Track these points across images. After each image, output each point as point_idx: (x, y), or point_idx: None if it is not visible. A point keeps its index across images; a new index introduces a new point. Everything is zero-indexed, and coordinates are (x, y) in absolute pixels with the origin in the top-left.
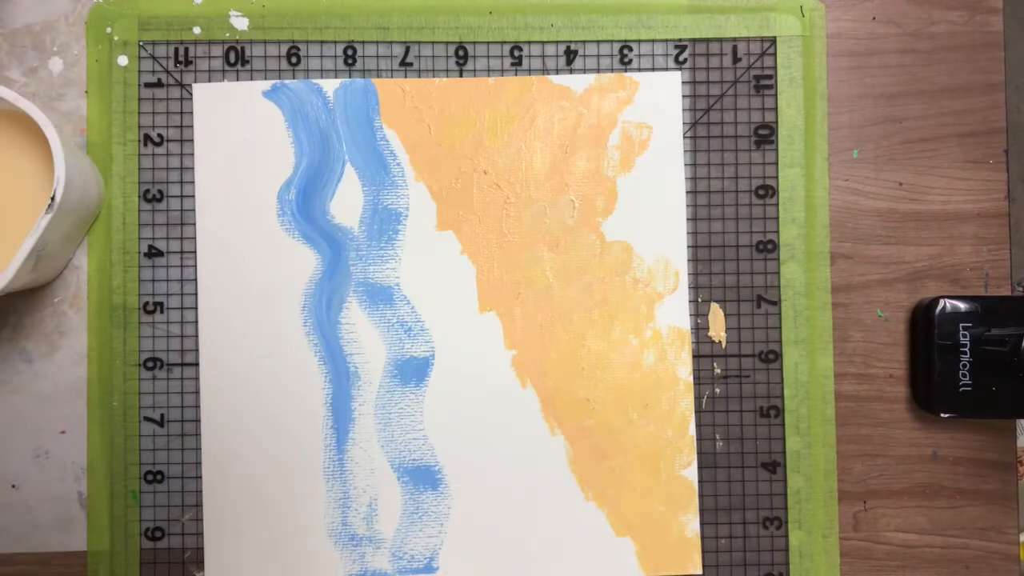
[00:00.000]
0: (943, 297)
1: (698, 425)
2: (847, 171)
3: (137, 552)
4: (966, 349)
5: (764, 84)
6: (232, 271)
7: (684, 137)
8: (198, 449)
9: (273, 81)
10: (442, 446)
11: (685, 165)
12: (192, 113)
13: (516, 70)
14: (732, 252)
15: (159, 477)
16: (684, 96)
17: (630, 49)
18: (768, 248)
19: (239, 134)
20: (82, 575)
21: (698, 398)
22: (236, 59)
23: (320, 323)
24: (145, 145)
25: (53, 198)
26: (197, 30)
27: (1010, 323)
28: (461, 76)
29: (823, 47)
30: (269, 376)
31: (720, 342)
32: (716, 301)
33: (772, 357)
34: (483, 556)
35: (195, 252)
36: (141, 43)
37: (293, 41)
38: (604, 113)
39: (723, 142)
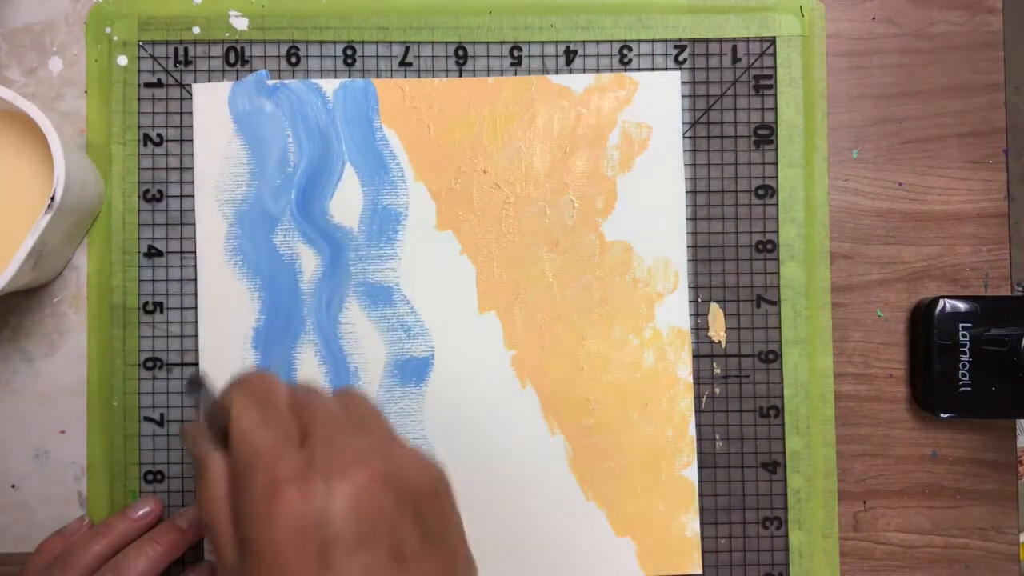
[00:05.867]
0: (943, 297)
1: (698, 425)
2: (847, 171)
3: None
4: (966, 349)
5: (764, 84)
6: (232, 271)
7: (684, 137)
8: None
9: (273, 81)
10: (442, 446)
11: (685, 165)
12: (192, 113)
13: (516, 70)
14: (732, 252)
15: (159, 477)
16: (684, 96)
17: (630, 49)
18: (768, 248)
19: (239, 134)
20: None
21: (698, 398)
22: (236, 59)
23: (320, 323)
24: (145, 145)
25: (53, 198)
26: (197, 30)
27: (1010, 323)
28: (461, 76)
29: (823, 47)
30: None
31: (720, 342)
32: (716, 301)
33: (772, 357)
34: (482, 556)
35: (195, 252)
36: (141, 43)
37: (293, 41)
38: (604, 113)
39: (723, 142)
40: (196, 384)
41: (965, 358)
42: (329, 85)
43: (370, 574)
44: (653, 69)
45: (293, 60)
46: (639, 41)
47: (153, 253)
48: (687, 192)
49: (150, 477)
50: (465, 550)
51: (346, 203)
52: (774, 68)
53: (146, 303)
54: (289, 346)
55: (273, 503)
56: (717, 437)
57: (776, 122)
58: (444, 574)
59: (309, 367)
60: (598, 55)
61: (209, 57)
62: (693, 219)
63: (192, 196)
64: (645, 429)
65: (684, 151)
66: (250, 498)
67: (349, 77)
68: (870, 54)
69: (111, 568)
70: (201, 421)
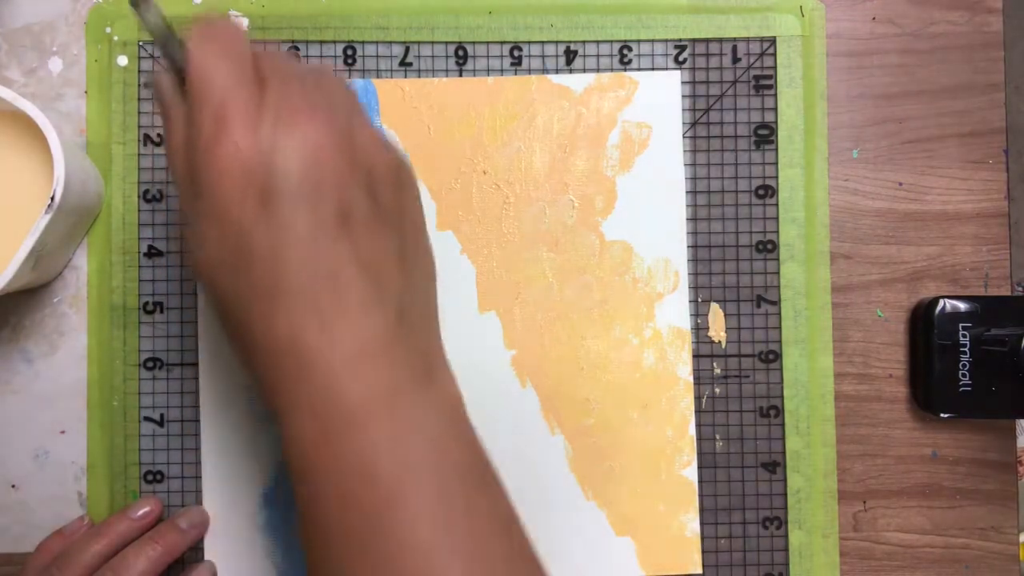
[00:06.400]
0: (943, 297)
1: (698, 425)
2: (847, 171)
3: None
4: (966, 349)
5: (764, 84)
6: None
7: (684, 137)
8: (198, 449)
9: None
10: None
11: (685, 165)
12: None
13: (516, 70)
14: (732, 252)
15: (159, 477)
16: (684, 96)
17: (630, 49)
18: (768, 248)
19: None
20: None
21: (698, 398)
22: None
23: None
24: (145, 145)
25: (53, 198)
26: None
27: (1010, 323)
28: (461, 76)
29: (823, 47)
30: None
31: (720, 342)
32: (716, 301)
33: (772, 357)
34: None
35: None
36: (141, 43)
37: (293, 41)
38: (604, 113)
39: (723, 142)
40: None
41: (965, 358)
42: None
43: (312, 226)
44: (653, 69)
45: None
46: (639, 41)
47: (153, 253)
48: (687, 192)
49: (150, 477)
50: (424, 242)
51: None
52: (774, 68)
53: (146, 303)
54: None
55: (218, 140)
56: (717, 437)
57: (776, 122)
58: (393, 252)
59: None
60: (598, 55)
61: None
62: (693, 219)
63: None
64: (645, 429)
65: (684, 151)
66: (197, 133)
67: (349, 77)
68: (870, 54)
69: (111, 568)
70: (158, 54)
